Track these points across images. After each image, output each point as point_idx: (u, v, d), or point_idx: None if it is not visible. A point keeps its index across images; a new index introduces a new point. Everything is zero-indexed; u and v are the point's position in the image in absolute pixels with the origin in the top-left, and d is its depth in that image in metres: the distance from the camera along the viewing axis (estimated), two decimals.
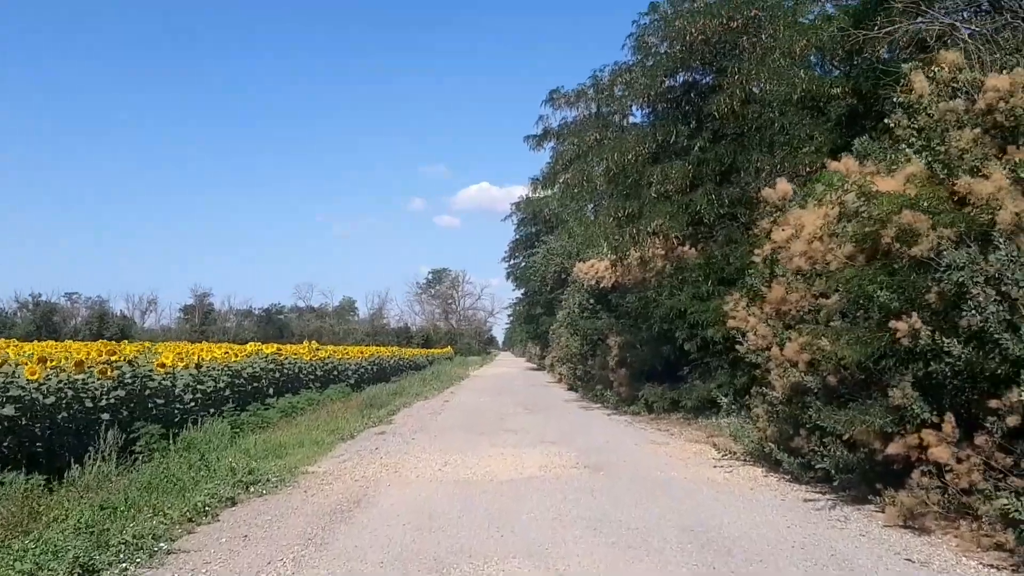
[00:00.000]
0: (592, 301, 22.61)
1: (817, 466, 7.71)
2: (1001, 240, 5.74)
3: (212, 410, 13.76)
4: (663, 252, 16.81)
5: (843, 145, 12.19)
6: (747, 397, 12.93)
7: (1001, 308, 5.63)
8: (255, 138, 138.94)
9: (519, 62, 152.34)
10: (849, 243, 7.86)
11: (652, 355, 16.42)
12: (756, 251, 11.08)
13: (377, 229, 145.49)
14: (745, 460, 9.71)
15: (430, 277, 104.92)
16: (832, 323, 7.59)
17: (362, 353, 29.37)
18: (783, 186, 9.75)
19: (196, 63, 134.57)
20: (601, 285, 21.33)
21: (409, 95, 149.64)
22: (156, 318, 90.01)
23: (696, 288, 14.22)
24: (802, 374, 7.77)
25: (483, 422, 14.96)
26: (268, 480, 8.70)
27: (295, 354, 19.32)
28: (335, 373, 23.25)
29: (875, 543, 5.78)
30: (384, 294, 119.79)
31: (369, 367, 28.97)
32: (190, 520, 6.87)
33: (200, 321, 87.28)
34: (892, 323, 6.31)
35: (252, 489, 8.30)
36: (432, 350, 68.95)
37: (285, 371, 18.35)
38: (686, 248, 15.93)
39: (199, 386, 13.60)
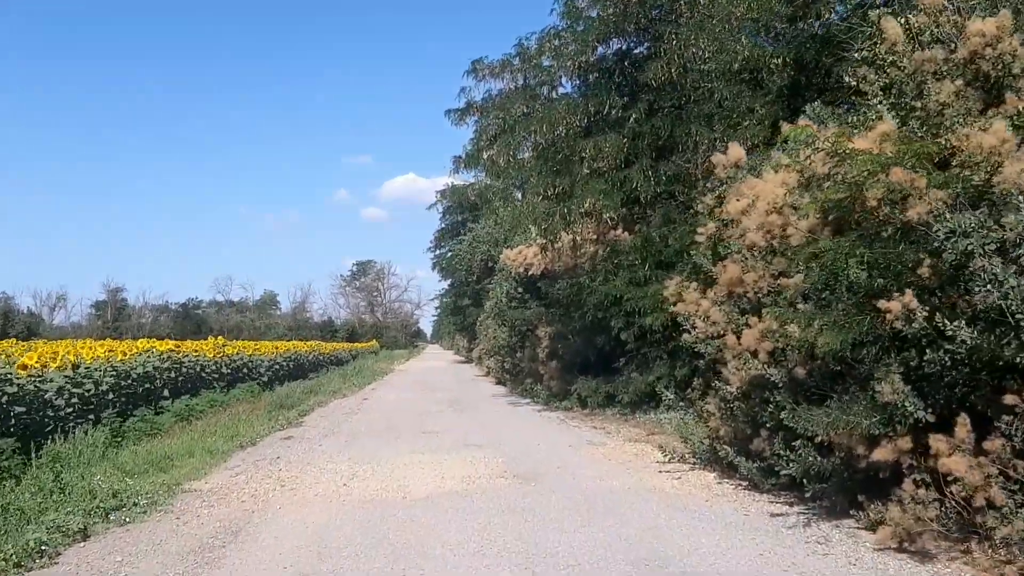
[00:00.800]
0: (520, 290, 21.41)
1: (782, 472, 6.64)
2: (1021, 199, 4.69)
3: (92, 416, 12.12)
4: (595, 236, 15.75)
5: (786, 118, 11.29)
6: (689, 390, 11.93)
7: (1022, 282, 4.59)
8: (171, 129, 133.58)
9: (445, 44, 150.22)
10: (813, 214, 6.83)
11: (585, 346, 15.31)
12: (699, 229, 10.08)
13: (301, 222, 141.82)
14: (694, 464, 8.62)
15: (354, 269, 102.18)
16: (797, 306, 6.51)
17: (277, 349, 27.59)
18: (735, 151, 8.66)
19: (113, 41, 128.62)
20: (530, 272, 20.15)
21: (331, 83, 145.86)
22: (66, 315, 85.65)
23: (632, 273, 13.14)
24: (764, 365, 6.69)
25: (402, 423, 13.61)
26: (136, 504, 7.26)
27: (196, 351, 17.62)
28: (245, 371, 21.56)
29: (871, 575, 4.69)
30: (307, 287, 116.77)
31: (285, 364, 27.24)
32: (17, 565, 5.45)
33: (113, 317, 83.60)
34: (881, 303, 5.23)
35: (113, 516, 6.87)
36: (356, 344, 67.06)
37: (185, 370, 16.65)
38: (619, 232, 14.85)
39: (75, 389, 11.93)
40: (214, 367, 18.34)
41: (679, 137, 12.93)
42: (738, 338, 7.03)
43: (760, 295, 7.28)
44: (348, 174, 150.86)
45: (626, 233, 14.77)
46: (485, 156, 14.08)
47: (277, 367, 25.96)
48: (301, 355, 31.24)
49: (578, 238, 14.18)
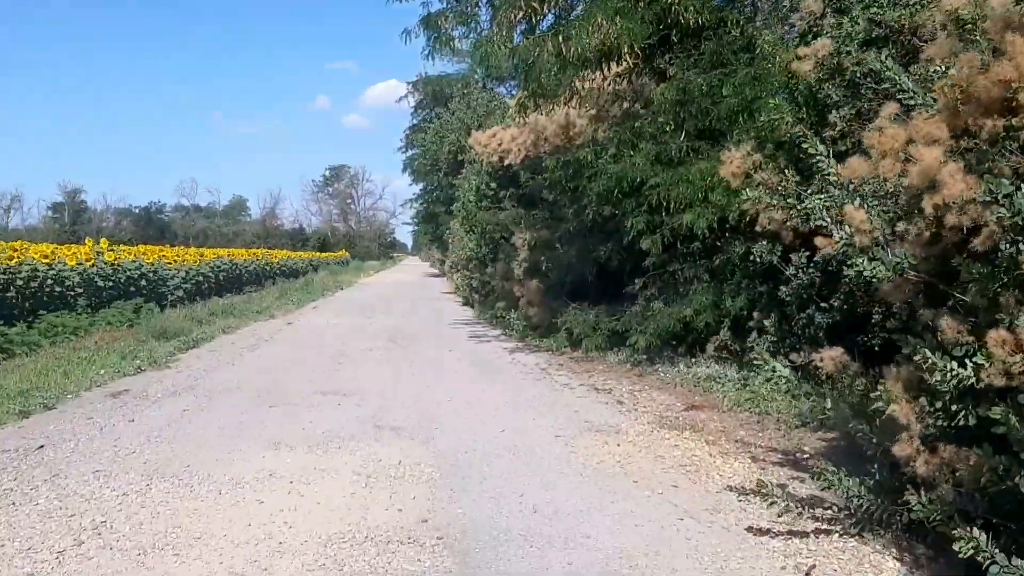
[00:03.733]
0: (494, 185, 16.63)
1: None
2: None
3: None
4: (592, 111, 11.01)
5: None
6: (756, 334, 7.48)
7: None
8: (145, 28, 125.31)
9: None
10: None
11: (580, 260, 10.69)
12: (800, 51, 5.63)
13: (278, 128, 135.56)
14: (824, 517, 4.08)
15: (327, 174, 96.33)
16: None
17: (202, 256, 22.72)
18: None
19: None
20: (506, 162, 15.31)
21: None
22: (22, 217, 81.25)
23: (660, 146, 8.44)
24: None
25: (302, 372, 9.04)
26: None
27: (46, 257, 12.83)
28: (143, 284, 16.78)
29: None
30: (277, 192, 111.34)
31: (211, 275, 22.48)
32: None
33: (71, 221, 79.24)
34: None
35: None
36: (324, 254, 62.33)
37: (20, 285, 11.92)
38: (634, 92, 10.09)
39: None
40: (79, 280, 13.58)
41: None
42: None
43: None
44: (330, 80, 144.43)
45: (634, 108, 10.02)
46: None
47: (200, 279, 21.23)
48: (238, 265, 26.39)
49: (581, 88, 9.29)
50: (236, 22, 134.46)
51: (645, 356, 8.97)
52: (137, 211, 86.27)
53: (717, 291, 8.01)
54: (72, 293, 13.35)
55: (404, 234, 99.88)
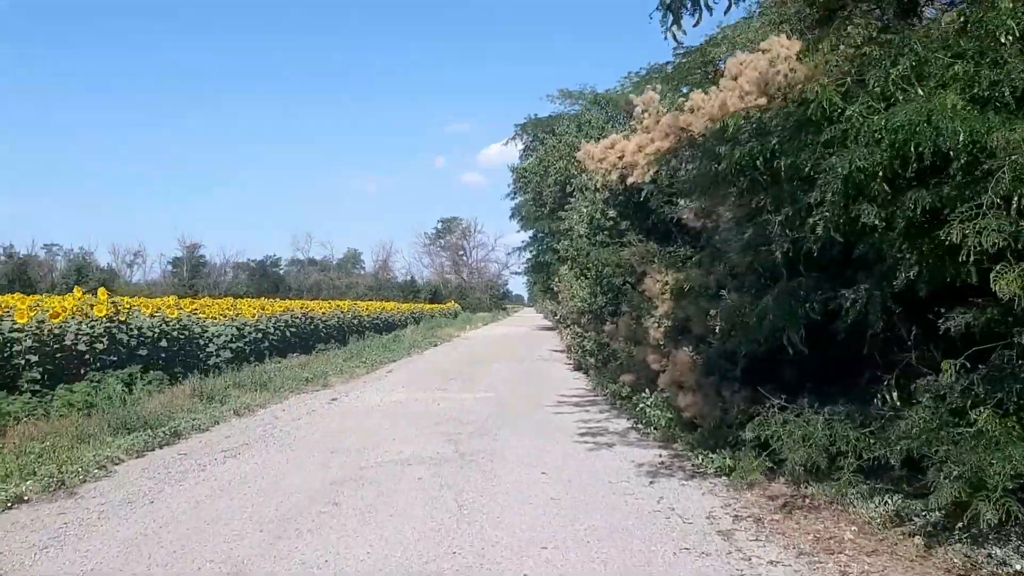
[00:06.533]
0: (613, 214, 12.11)
1: None
2: None
3: None
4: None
5: None
6: None
7: None
8: (271, 93, 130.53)
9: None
10: None
11: (780, 315, 5.84)
12: None
13: (400, 186, 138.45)
14: None
15: (439, 227, 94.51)
16: None
17: (263, 310, 18.93)
18: None
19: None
20: (629, 181, 10.82)
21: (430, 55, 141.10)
22: (144, 272, 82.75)
23: (996, 72, 3.75)
24: None
25: (255, 523, 4.64)
26: None
27: None
28: (164, 346, 12.93)
29: None
30: (389, 245, 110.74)
31: (275, 332, 18.63)
32: None
33: (189, 275, 79.79)
34: None
35: None
36: (433, 305, 59.44)
37: None
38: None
39: None
40: (32, 343, 9.74)
41: None
42: None
43: None
44: (448, 140, 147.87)
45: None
46: None
47: (258, 337, 17.37)
48: (314, 318, 22.57)
49: None
50: (361, 88, 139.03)
51: (943, 514, 4.12)
52: (253, 264, 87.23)
53: None
54: (23, 361, 9.53)
55: (519, 285, 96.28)
